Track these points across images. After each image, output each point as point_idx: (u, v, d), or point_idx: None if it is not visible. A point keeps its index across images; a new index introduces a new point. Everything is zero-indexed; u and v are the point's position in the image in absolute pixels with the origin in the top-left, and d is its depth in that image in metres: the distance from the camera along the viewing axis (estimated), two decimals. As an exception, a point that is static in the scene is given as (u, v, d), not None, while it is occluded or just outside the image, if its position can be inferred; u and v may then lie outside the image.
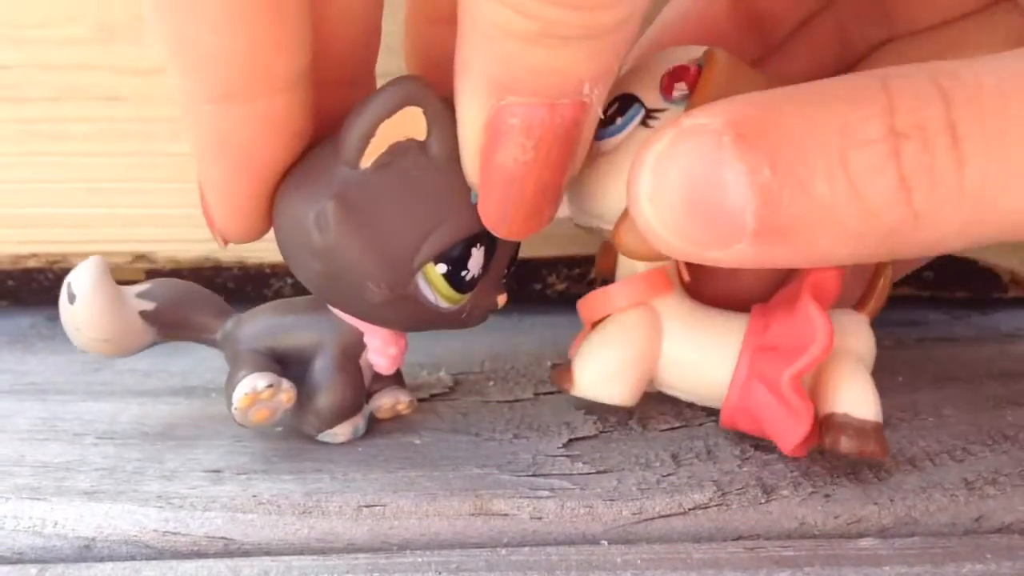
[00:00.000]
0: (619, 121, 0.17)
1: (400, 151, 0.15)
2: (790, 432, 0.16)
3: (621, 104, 0.17)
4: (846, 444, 0.16)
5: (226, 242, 0.17)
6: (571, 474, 0.17)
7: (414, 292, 0.16)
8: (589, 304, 0.18)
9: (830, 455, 0.17)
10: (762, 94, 0.13)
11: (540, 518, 0.16)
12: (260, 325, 0.18)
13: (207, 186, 0.17)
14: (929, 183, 0.12)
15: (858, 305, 0.18)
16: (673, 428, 0.19)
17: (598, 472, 0.17)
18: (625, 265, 0.18)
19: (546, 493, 0.16)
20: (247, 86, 0.14)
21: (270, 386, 0.16)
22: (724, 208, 0.13)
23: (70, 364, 0.22)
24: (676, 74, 0.16)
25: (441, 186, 0.15)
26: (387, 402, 0.19)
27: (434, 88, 0.15)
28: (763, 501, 0.16)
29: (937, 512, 0.16)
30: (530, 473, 0.17)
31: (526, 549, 0.15)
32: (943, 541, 0.15)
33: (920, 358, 0.22)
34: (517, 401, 0.20)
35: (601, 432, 0.18)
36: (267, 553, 0.15)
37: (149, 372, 0.22)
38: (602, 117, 0.16)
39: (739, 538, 0.16)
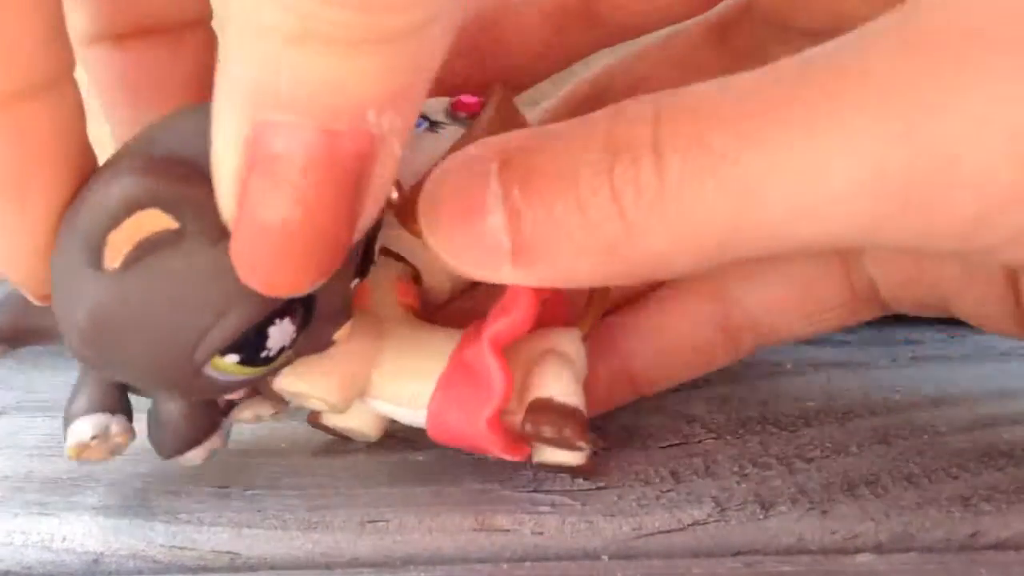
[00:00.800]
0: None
1: (150, 245, 0.13)
2: (485, 401, 0.15)
3: None
4: (546, 425, 0.16)
5: (41, 298, 0.14)
6: (571, 490, 0.17)
7: (209, 382, 0.14)
8: None
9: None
10: (531, 128, 0.14)
11: (541, 533, 0.16)
12: None
13: None
14: (634, 194, 0.12)
15: (574, 321, 0.18)
16: (672, 445, 0.19)
17: (598, 488, 0.17)
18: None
19: (547, 508, 0.17)
20: None
21: (94, 437, 0.16)
22: (486, 230, 0.13)
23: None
24: (459, 104, 0.17)
25: (211, 272, 0.13)
26: (247, 415, 0.18)
27: (169, 169, 0.12)
28: (761, 517, 0.17)
29: (933, 528, 0.16)
30: (531, 489, 0.17)
31: (528, 564, 0.15)
32: (938, 557, 0.16)
33: (917, 376, 0.22)
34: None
35: (602, 448, 0.19)
36: (272, 567, 0.16)
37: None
38: None
39: (737, 553, 0.16)
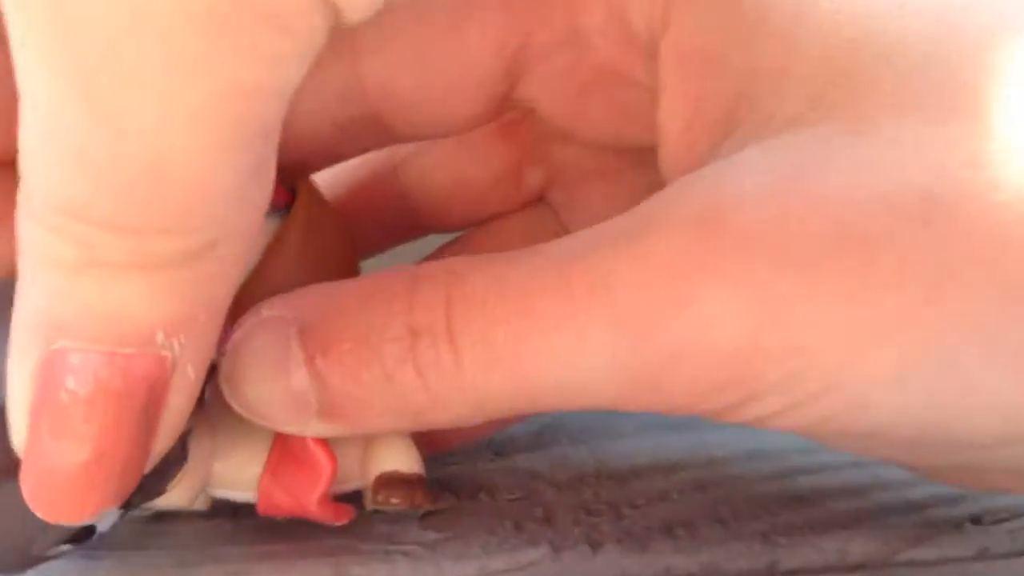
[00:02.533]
0: None
1: None
2: (315, 484, 0.17)
3: None
4: (395, 497, 0.18)
5: None
6: (423, 541, 0.19)
7: (55, 556, 0.16)
8: None
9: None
10: (325, 288, 0.16)
11: (393, 579, 0.18)
12: None
13: None
14: (437, 374, 0.15)
15: None
16: (517, 499, 0.21)
17: (447, 538, 0.19)
18: None
19: (399, 556, 0.18)
20: None
21: None
22: (292, 390, 0.15)
23: None
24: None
25: (21, 505, 0.13)
26: None
27: None
28: (591, 556, 0.19)
29: (736, 559, 0.19)
30: (385, 540, 0.19)
31: (379, 606, 0.17)
32: (739, 583, 0.18)
33: (736, 436, 0.25)
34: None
35: (451, 503, 0.21)
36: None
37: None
38: None
39: (568, 588, 0.18)
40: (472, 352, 0.15)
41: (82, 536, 0.15)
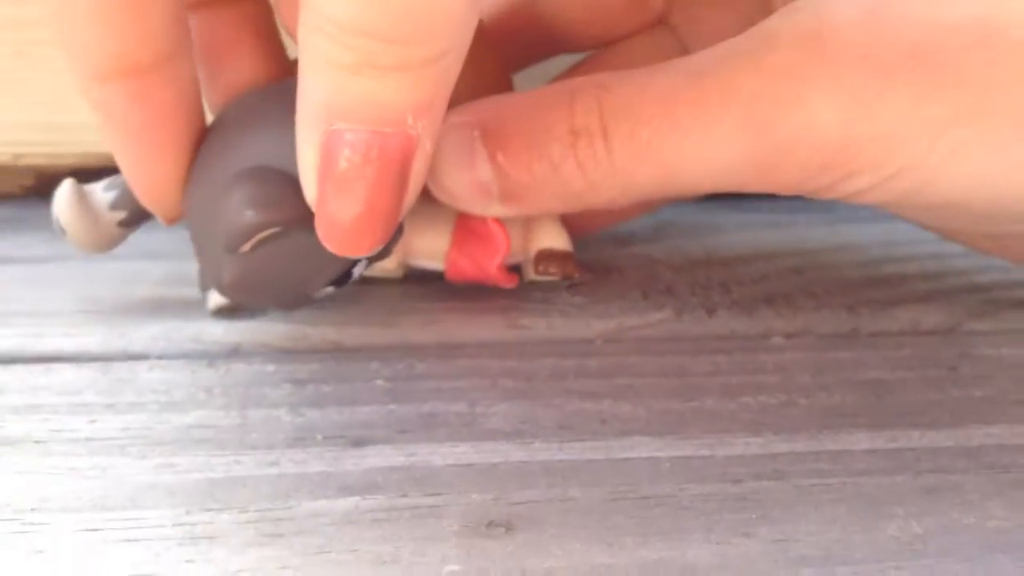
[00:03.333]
0: None
1: (267, 239, 0.18)
2: (493, 254, 0.22)
3: None
4: (553, 267, 0.23)
5: (169, 222, 0.20)
6: (572, 303, 0.24)
7: (316, 299, 0.20)
8: None
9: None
10: (498, 99, 0.20)
11: (552, 329, 0.23)
12: None
13: (125, 174, 0.19)
14: (593, 165, 0.19)
15: None
16: (642, 276, 0.26)
17: (591, 302, 0.24)
18: None
19: (556, 314, 0.23)
20: (117, 68, 0.17)
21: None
22: (478, 180, 0.20)
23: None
24: None
25: (307, 248, 0.17)
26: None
27: (273, 203, 0.17)
28: (707, 318, 0.23)
29: (824, 323, 0.23)
30: (544, 303, 0.24)
31: (543, 346, 0.22)
32: (828, 342, 0.23)
33: (826, 231, 0.29)
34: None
35: (589, 277, 0.25)
36: (368, 350, 0.22)
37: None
38: None
39: (689, 339, 0.23)
40: (622, 147, 0.19)
41: (342, 280, 0.20)
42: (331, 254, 0.17)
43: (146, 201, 0.20)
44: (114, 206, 0.22)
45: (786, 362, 0.22)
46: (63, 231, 0.22)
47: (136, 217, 0.22)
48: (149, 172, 0.19)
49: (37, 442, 0.18)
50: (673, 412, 0.20)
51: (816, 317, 0.24)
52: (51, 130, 0.29)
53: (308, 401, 0.20)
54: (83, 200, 0.22)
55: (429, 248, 0.23)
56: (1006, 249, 0.22)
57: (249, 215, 0.17)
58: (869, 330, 0.23)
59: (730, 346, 0.22)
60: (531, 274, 0.23)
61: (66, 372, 0.21)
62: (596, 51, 0.26)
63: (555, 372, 0.21)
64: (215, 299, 0.22)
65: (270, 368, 0.21)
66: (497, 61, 0.24)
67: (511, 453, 0.18)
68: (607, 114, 0.19)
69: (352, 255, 0.17)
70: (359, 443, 0.18)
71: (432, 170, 0.20)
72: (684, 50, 0.25)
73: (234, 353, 0.22)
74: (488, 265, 0.22)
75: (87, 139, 0.29)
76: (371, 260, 0.20)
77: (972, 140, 0.17)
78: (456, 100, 0.20)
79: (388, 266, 0.23)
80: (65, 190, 0.22)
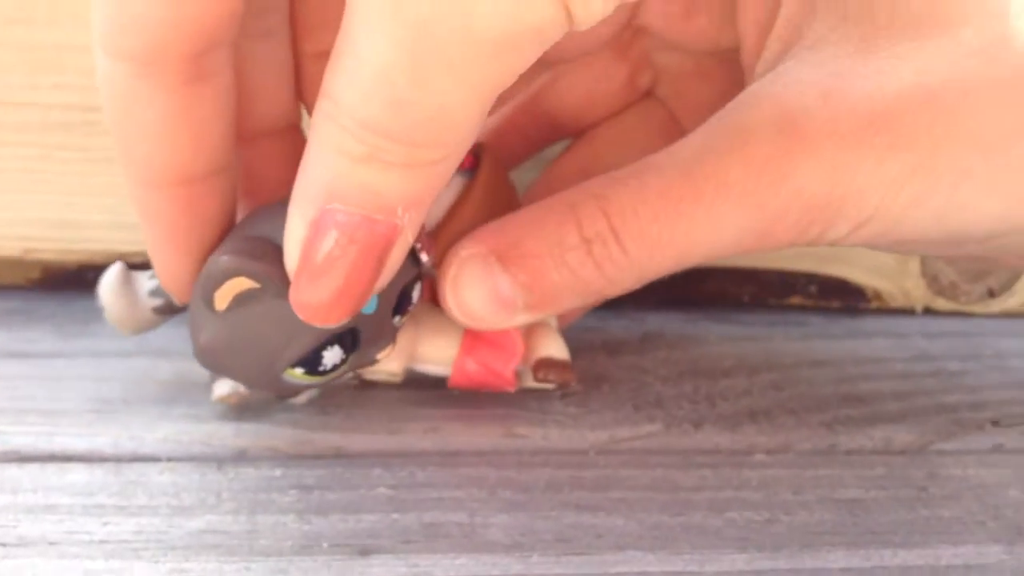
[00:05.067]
0: None
1: (243, 298, 0.19)
2: (509, 359, 0.24)
3: None
4: (552, 375, 0.24)
5: (181, 301, 0.22)
6: (567, 412, 0.25)
7: (286, 385, 0.20)
8: None
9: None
10: (502, 224, 0.22)
11: (547, 438, 0.24)
12: None
13: (154, 263, 0.21)
14: (611, 264, 0.21)
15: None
16: (633, 388, 0.27)
17: (585, 412, 0.25)
18: None
19: (551, 423, 0.24)
20: (170, 177, 0.19)
21: (231, 394, 0.23)
22: (504, 299, 0.21)
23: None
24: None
25: (281, 314, 0.18)
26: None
27: (253, 250, 0.18)
28: (693, 432, 0.25)
29: (804, 441, 0.25)
30: (538, 412, 0.25)
31: (539, 456, 0.23)
32: (807, 459, 0.24)
33: (804, 346, 0.31)
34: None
35: (584, 390, 0.27)
36: (373, 456, 0.23)
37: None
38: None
39: (677, 453, 0.24)
40: (635, 245, 0.21)
41: (312, 365, 0.19)
42: (302, 327, 0.18)
43: (166, 284, 0.21)
44: (153, 293, 0.23)
45: (768, 479, 0.23)
46: (103, 308, 0.23)
47: (171, 307, 0.23)
48: (178, 265, 0.20)
49: (51, 544, 0.19)
50: (664, 526, 0.21)
51: (796, 435, 0.25)
52: (62, 227, 0.30)
53: (314, 508, 0.21)
54: (126, 283, 0.23)
55: (438, 355, 0.24)
56: (960, 261, 0.26)
57: (225, 260, 0.18)
58: (846, 447, 0.25)
59: (716, 460, 0.23)
60: (529, 381, 0.25)
61: (79, 472, 0.21)
62: (589, 130, 0.29)
63: (552, 483, 0.22)
64: (220, 388, 0.23)
65: (277, 472, 0.22)
66: (508, 182, 0.26)
67: (510, 567, 0.19)
68: (614, 219, 0.21)
69: (322, 324, 0.18)
70: (365, 552, 0.19)
71: (456, 299, 0.22)
72: (671, 117, 0.28)
73: (242, 457, 0.22)
74: (504, 369, 0.24)
75: (96, 236, 0.30)
76: (352, 367, 0.21)
77: (924, 191, 0.20)
78: (477, 222, 0.22)
79: (393, 369, 0.24)
80: (113, 271, 0.23)
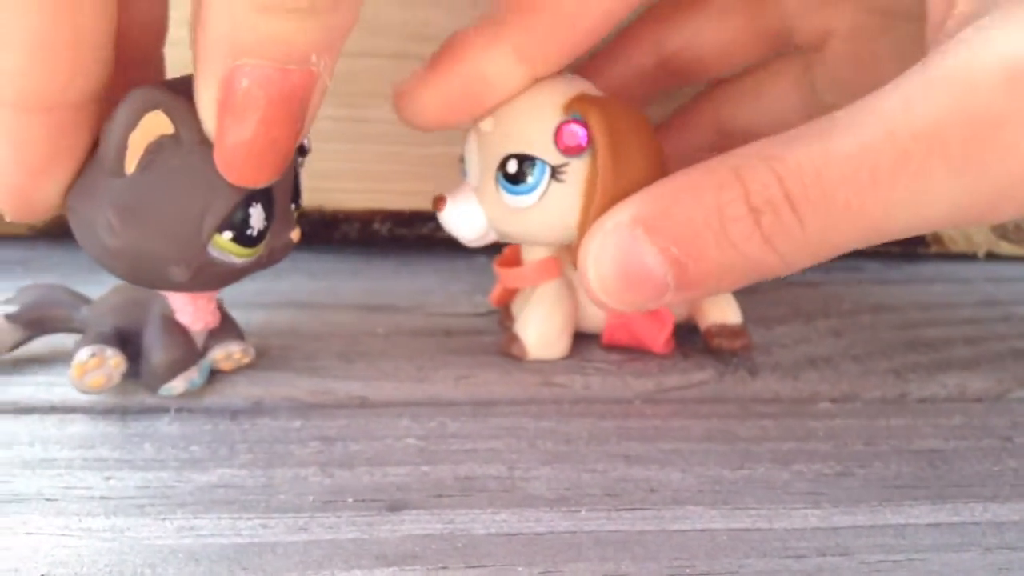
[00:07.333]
0: (530, 179, 0.20)
1: (156, 149, 0.17)
2: (661, 329, 0.23)
3: (521, 163, 0.20)
4: (725, 343, 0.23)
5: (26, 219, 0.18)
6: (610, 360, 0.23)
7: (211, 260, 0.18)
8: (507, 275, 0.23)
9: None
10: (653, 191, 0.18)
11: (588, 388, 0.22)
12: (104, 307, 0.21)
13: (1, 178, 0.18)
14: (785, 239, 0.17)
15: None
16: (678, 336, 0.25)
17: (629, 359, 0.23)
18: (529, 252, 0.23)
19: (592, 371, 0.22)
20: (41, 102, 0.16)
21: (93, 355, 0.19)
22: (651, 277, 0.18)
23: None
24: (566, 136, 0.20)
25: (202, 167, 0.17)
26: (220, 354, 0.21)
27: (167, 87, 0.17)
28: (750, 380, 0.22)
29: (872, 389, 0.22)
30: (581, 359, 0.23)
31: (579, 406, 0.21)
32: (876, 408, 0.22)
33: (862, 292, 0.29)
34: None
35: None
36: (395, 406, 0.21)
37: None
38: (511, 173, 0.20)
39: (733, 402, 0.22)
40: (815, 215, 0.17)
41: (243, 229, 0.18)
42: (221, 184, 0.17)
43: (5, 203, 0.18)
44: (8, 301, 0.22)
45: (836, 429, 0.21)
46: None
47: (24, 317, 0.21)
48: (29, 186, 0.17)
49: (49, 500, 0.17)
50: (724, 480, 0.18)
51: (862, 383, 0.23)
52: None
53: (337, 460, 0.19)
54: None
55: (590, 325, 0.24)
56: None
57: (138, 93, 0.16)
58: (918, 395, 0.22)
59: (776, 410, 0.21)
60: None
61: (80, 424, 0.20)
62: (719, 80, 0.26)
63: (596, 434, 0.20)
64: (78, 355, 0.20)
65: (296, 423, 0.20)
66: (652, 139, 0.22)
67: (556, 522, 0.17)
68: (790, 183, 0.17)
69: (248, 184, 0.17)
70: (394, 508, 0.17)
71: (598, 275, 0.18)
72: (810, 73, 0.25)
73: (257, 407, 0.21)
74: (654, 342, 0.23)
75: None
76: (270, 246, 0.19)
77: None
78: (631, 188, 0.19)
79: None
80: None
